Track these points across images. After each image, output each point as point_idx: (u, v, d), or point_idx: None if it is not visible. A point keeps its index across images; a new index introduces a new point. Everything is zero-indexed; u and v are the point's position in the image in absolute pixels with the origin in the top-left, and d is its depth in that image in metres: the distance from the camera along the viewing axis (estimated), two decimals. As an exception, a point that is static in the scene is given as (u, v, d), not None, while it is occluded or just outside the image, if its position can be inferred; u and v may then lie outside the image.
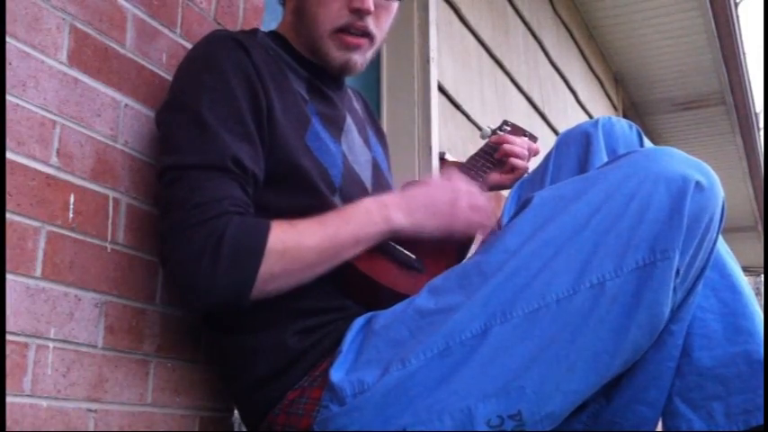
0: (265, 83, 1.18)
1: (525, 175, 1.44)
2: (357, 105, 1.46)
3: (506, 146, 1.52)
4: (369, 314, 1.13)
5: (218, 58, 1.16)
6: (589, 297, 1.00)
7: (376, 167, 1.37)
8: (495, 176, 1.52)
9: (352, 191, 1.24)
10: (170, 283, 1.21)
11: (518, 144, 1.53)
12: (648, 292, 1.01)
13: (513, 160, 1.51)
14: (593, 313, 1.00)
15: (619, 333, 1.01)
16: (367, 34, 1.26)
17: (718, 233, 1.09)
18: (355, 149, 1.32)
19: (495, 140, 1.54)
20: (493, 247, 1.08)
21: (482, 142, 1.60)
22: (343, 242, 1.11)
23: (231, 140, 1.10)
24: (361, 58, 1.29)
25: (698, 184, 1.03)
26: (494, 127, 1.62)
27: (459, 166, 1.53)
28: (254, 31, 1.31)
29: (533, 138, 1.61)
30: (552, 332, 1.01)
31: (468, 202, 1.20)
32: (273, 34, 1.34)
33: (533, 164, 1.59)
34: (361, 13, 1.23)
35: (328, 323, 1.14)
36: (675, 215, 1.01)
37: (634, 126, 1.37)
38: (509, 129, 1.60)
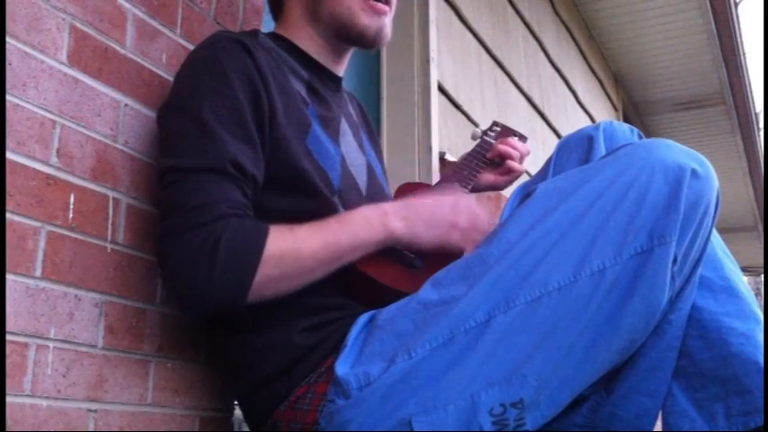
0: (268, 85, 1.18)
1: (527, 180, 1.45)
2: (351, 109, 1.46)
3: (500, 146, 1.53)
4: (372, 311, 1.13)
5: (221, 59, 1.16)
6: (589, 285, 1.01)
7: (370, 171, 1.37)
8: (489, 177, 1.55)
9: (349, 194, 1.25)
10: (167, 286, 1.21)
11: (511, 145, 1.55)
12: (645, 277, 1.02)
13: (509, 162, 1.53)
14: (592, 301, 1.01)
15: (614, 319, 1.02)
16: (388, 1, 1.32)
17: (713, 222, 1.10)
18: (351, 153, 1.33)
19: (493, 150, 1.55)
20: (495, 238, 1.09)
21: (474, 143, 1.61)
22: (342, 249, 1.11)
23: (231, 143, 1.10)
24: (388, 27, 1.33)
25: (694, 171, 1.04)
26: (484, 128, 1.64)
27: (454, 165, 1.55)
28: (255, 32, 1.31)
29: (523, 138, 1.62)
30: (554, 320, 1.01)
31: (469, 221, 1.19)
32: (273, 35, 1.34)
33: (526, 164, 1.61)
34: None
35: (334, 320, 1.14)
36: (673, 202, 1.02)
37: (635, 129, 1.40)
38: (499, 129, 1.62)
